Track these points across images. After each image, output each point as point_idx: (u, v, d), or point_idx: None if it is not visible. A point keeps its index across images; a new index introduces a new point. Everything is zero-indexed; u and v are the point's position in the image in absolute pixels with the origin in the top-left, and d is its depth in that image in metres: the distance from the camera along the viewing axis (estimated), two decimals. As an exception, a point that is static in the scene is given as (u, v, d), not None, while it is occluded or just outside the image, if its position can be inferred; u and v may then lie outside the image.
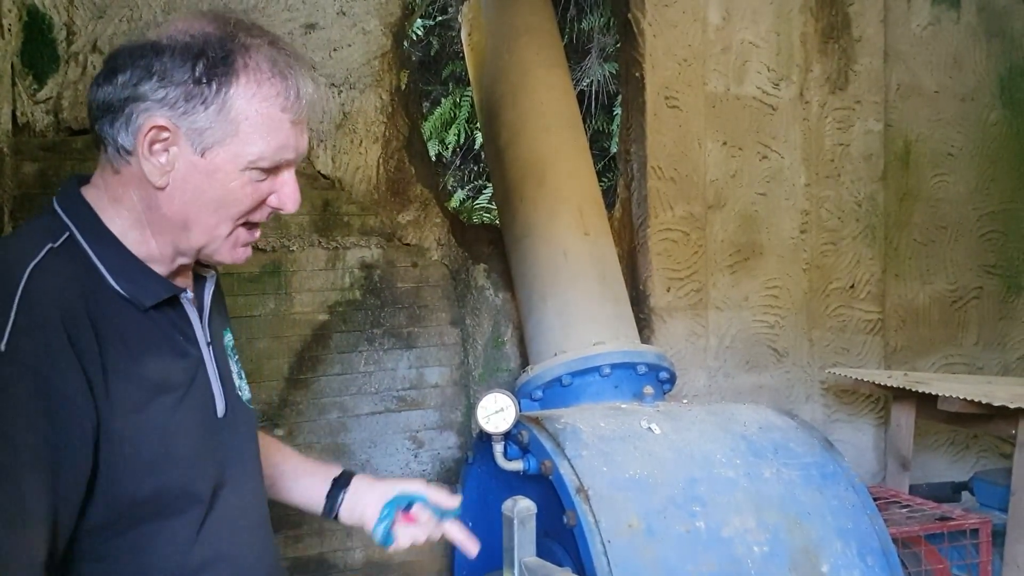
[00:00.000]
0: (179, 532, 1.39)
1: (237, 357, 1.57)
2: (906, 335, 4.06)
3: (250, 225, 1.41)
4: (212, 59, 1.30)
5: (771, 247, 3.74)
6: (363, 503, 1.75)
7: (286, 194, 1.40)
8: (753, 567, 2.21)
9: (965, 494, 3.49)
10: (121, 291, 1.32)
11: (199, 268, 1.49)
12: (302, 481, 1.80)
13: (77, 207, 1.35)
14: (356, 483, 1.77)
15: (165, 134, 1.30)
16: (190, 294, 1.43)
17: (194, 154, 1.32)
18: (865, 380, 3.48)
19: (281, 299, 3.03)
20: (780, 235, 3.75)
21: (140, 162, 1.31)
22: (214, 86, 1.30)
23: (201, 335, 1.44)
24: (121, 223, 1.35)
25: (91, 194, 1.36)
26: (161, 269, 1.40)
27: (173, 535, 1.38)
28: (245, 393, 1.54)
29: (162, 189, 1.33)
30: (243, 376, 1.57)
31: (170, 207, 1.34)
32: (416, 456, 3.25)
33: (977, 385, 3.36)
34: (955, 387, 3.18)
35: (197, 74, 1.30)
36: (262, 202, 1.39)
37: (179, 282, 1.44)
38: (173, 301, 1.40)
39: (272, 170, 1.37)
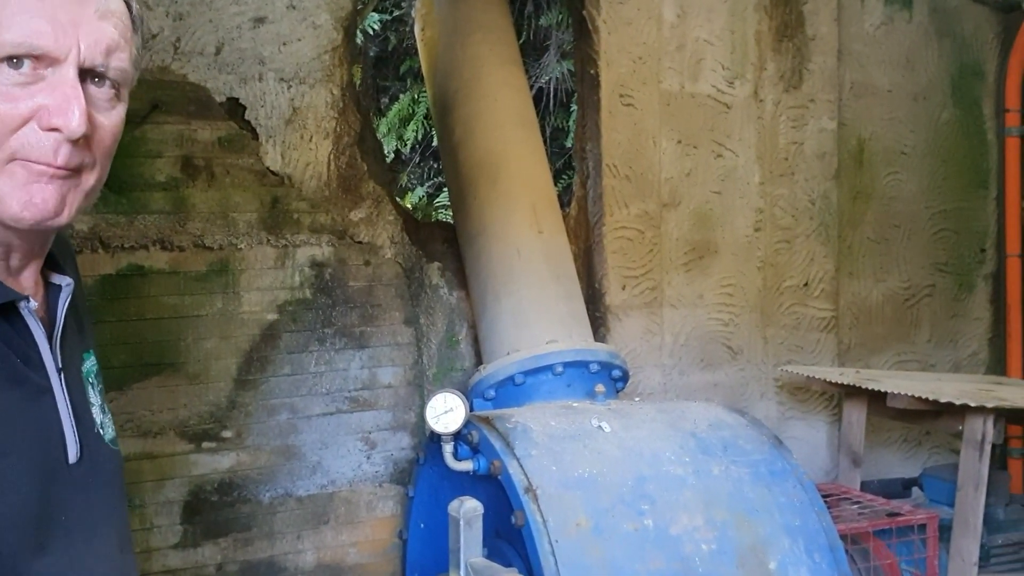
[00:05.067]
0: None
1: (101, 387, 1.28)
2: (859, 333, 4.10)
3: (27, 161, 1.04)
4: None
5: (725, 245, 3.75)
6: None
7: (58, 109, 1.01)
8: (701, 565, 2.21)
9: (915, 490, 3.53)
10: None
11: (52, 273, 1.19)
12: None
13: None
14: None
15: None
16: (33, 303, 1.11)
17: None
18: (817, 377, 3.50)
19: (229, 298, 2.98)
20: (734, 233, 3.76)
21: None
22: None
23: (50, 359, 1.14)
24: None
25: None
26: None
27: None
28: (108, 431, 1.25)
29: None
30: (107, 411, 1.28)
31: None
32: (369, 457, 3.22)
33: (927, 382, 3.39)
34: (905, 384, 3.21)
35: None
36: (25, 122, 1.02)
37: (20, 286, 1.13)
38: (8, 311, 1.10)
39: (41, 72, 1.02)
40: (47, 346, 1.14)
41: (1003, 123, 4.29)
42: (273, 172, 3.05)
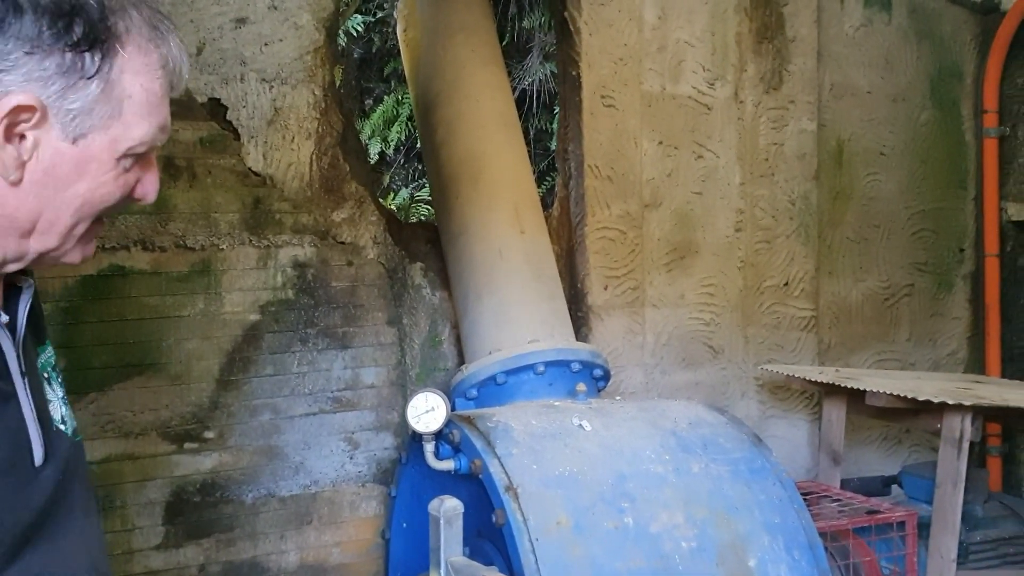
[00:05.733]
0: None
1: (60, 378, 1.28)
2: (839, 332, 4.13)
3: (100, 219, 1.18)
4: (90, 21, 1.03)
5: (706, 245, 3.78)
6: None
7: (151, 182, 1.19)
8: (681, 562, 2.22)
9: (894, 487, 3.56)
10: None
11: (12, 276, 1.19)
12: None
13: None
14: None
15: (27, 115, 1.03)
16: (4, 317, 1.13)
17: (64, 141, 1.06)
18: (797, 376, 3.53)
19: (211, 298, 2.98)
20: (715, 234, 3.79)
21: None
22: (97, 56, 1.05)
23: (15, 364, 1.14)
24: None
25: None
26: None
27: None
28: (69, 424, 1.25)
29: (15, 185, 1.06)
30: (67, 402, 1.27)
31: (21, 207, 1.07)
32: (352, 457, 3.22)
33: (906, 380, 3.43)
34: (884, 383, 3.24)
35: (75, 38, 1.03)
36: (129, 194, 1.17)
37: None
38: None
39: (143, 156, 1.16)
40: (12, 352, 1.14)
41: (981, 124, 4.34)
42: (255, 172, 3.05)
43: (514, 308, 2.97)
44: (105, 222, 1.20)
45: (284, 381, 3.10)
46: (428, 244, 3.39)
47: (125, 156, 1.12)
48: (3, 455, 1.10)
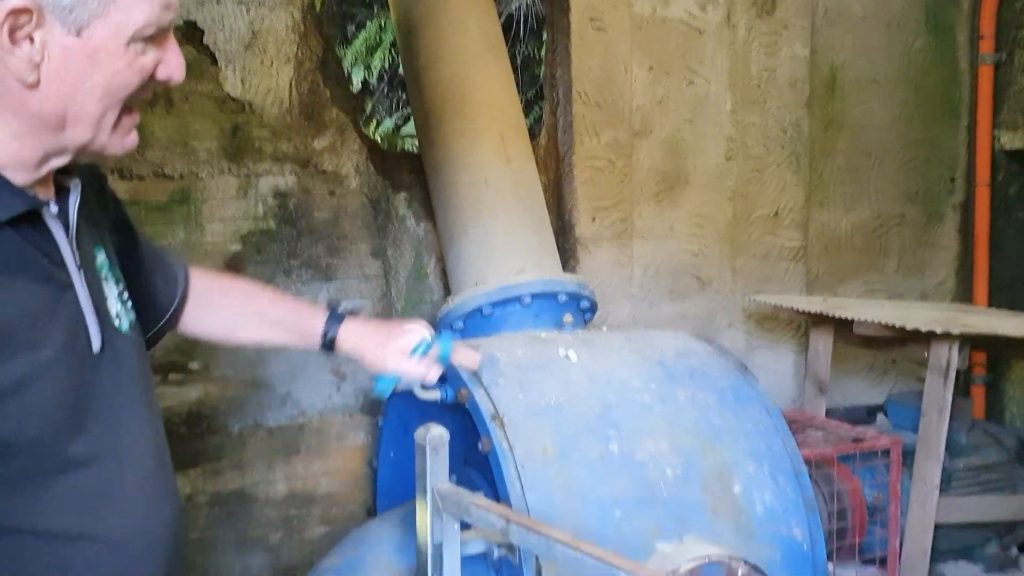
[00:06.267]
0: (45, 494, 1.24)
1: (117, 277, 1.40)
2: (828, 262, 4.11)
3: (130, 108, 1.25)
4: None
5: (697, 175, 3.73)
6: (366, 339, 1.83)
7: (174, 63, 1.24)
8: (666, 489, 2.22)
9: (880, 416, 3.58)
10: None
11: (59, 176, 1.29)
12: (283, 316, 1.82)
13: None
14: (350, 319, 1.84)
15: (26, 18, 1.09)
16: (54, 208, 1.24)
17: (68, 35, 1.12)
18: (785, 306, 3.51)
19: (191, 229, 2.92)
20: (706, 163, 3.73)
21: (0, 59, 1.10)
22: None
23: (70, 257, 1.26)
24: None
25: None
26: (20, 177, 1.20)
27: (36, 498, 1.22)
28: (124, 321, 1.38)
29: (34, 87, 1.13)
30: (125, 300, 1.40)
31: (45, 105, 1.15)
32: (339, 389, 3.21)
33: (894, 310, 3.42)
34: (872, 312, 3.23)
35: None
36: (150, 77, 1.23)
37: (40, 193, 1.25)
38: (32, 217, 1.21)
39: (155, 37, 1.20)
40: (67, 246, 1.26)
41: (976, 50, 4.25)
42: (233, 98, 2.97)
43: (500, 239, 2.93)
44: (138, 113, 1.26)
45: (269, 312, 3.06)
46: (412, 174, 3.33)
47: (134, 41, 1.17)
48: (62, 338, 1.23)
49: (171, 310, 1.70)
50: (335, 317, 1.85)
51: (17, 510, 1.21)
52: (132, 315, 1.42)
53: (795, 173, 3.92)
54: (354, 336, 1.84)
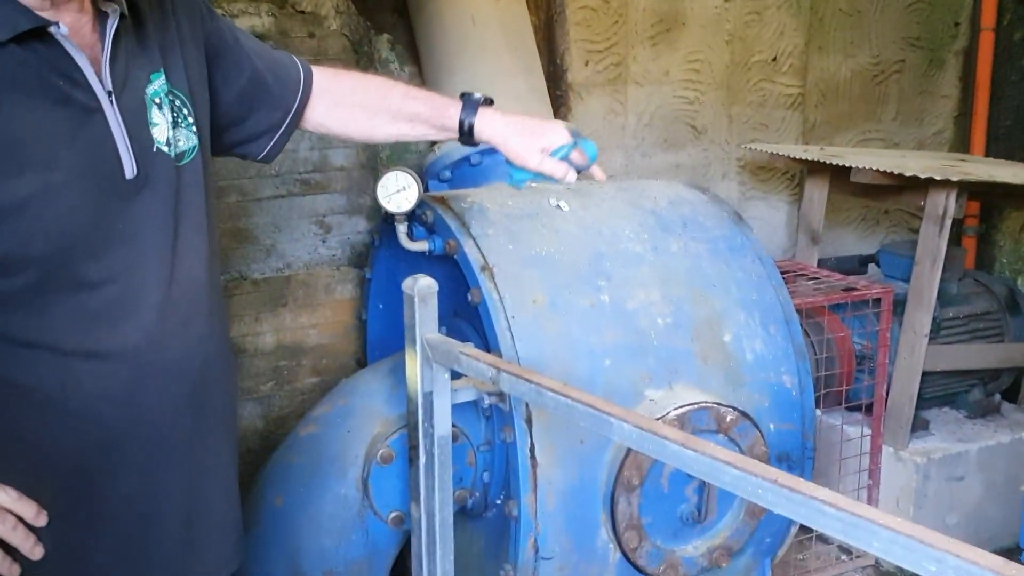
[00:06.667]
0: (56, 310, 1.29)
1: (179, 103, 1.41)
2: (825, 110, 3.99)
3: None
4: None
5: (694, 16, 3.56)
6: (508, 131, 1.82)
7: None
8: (656, 338, 2.22)
9: (871, 266, 3.57)
10: None
11: (101, 2, 1.31)
12: (419, 109, 1.83)
13: None
14: (486, 108, 1.84)
15: None
16: (64, 29, 1.24)
17: None
18: (781, 154, 3.43)
19: (164, 74, 2.78)
20: (703, 3, 3.56)
21: None
22: None
23: (96, 81, 1.27)
24: None
25: None
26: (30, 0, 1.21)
27: (47, 313, 1.28)
28: (175, 148, 1.39)
29: None
30: (188, 125, 1.42)
31: None
32: (324, 241, 3.15)
33: (891, 158, 3.34)
34: (870, 159, 3.15)
35: None
36: None
37: (62, 16, 1.25)
38: (43, 37, 1.22)
39: None
40: (90, 69, 1.26)
41: None
42: (201, -69, 2.76)
43: (488, 82, 2.80)
44: None
45: (248, 162, 2.96)
46: (395, 14, 3.15)
47: None
48: (83, 161, 1.26)
49: (292, 112, 1.74)
50: (470, 106, 1.83)
51: (27, 324, 1.26)
52: (195, 139, 1.44)
53: (795, 16, 3.75)
54: (493, 126, 1.83)
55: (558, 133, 1.85)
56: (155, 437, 1.42)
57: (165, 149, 1.37)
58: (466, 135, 1.84)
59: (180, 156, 1.41)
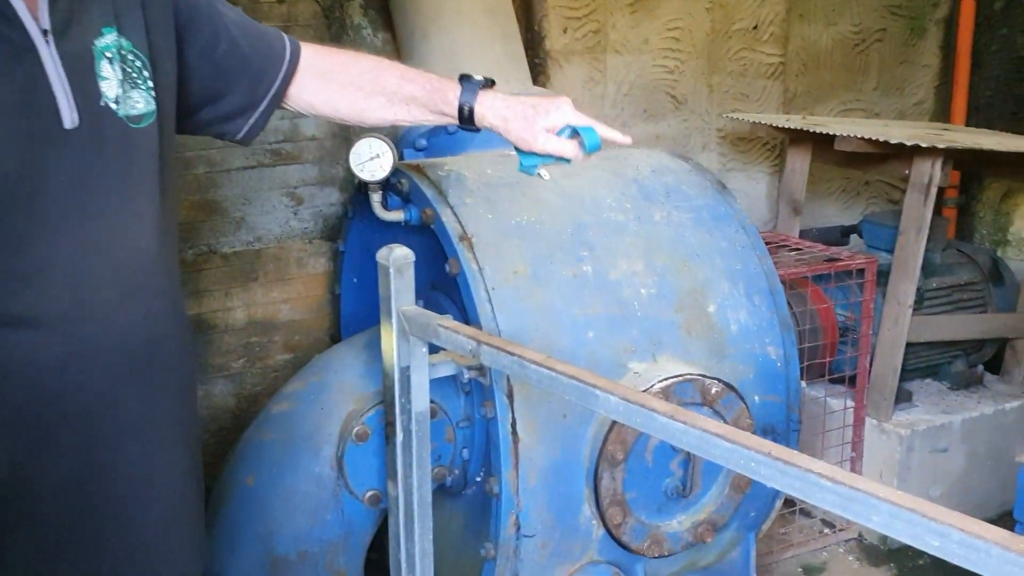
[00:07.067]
0: (2, 279, 1.22)
1: (138, 65, 1.34)
2: (806, 80, 3.94)
3: None
4: None
5: (674, -18, 3.48)
6: (510, 115, 1.70)
7: None
8: (639, 308, 2.16)
9: (854, 237, 3.53)
10: None
11: None
12: (416, 92, 1.73)
13: None
14: (486, 91, 1.73)
15: None
16: None
17: None
18: (763, 123, 3.37)
19: (126, 39, 2.67)
20: (683, -31, 3.48)
21: None
22: None
23: (29, 18, 1.21)
24: None
25: None
26: None
27: None
28: (126, 108, 1.31)
29: None
30: (142, 87, 1.34)
31: None
32: (296, 213, 3.06)
33: (875, 127, 3.29)
34: (853, 128, 3.10)
35: None
36: None
37: None
38: None
39: None
40: (22, 4, 1.21)
41: None
42: None
43: (465, 47, 2.72)
44: None
45: (217, 132, 2.86)
46: (368, -22, 3.06)
47: None
48: (14, 101, 1.20)
49: (274, 88, 1.64)
50: (471, 89, 1.72)
51: None
52: (153, 104, 1.37)
53: (776, -18, 3.69)
54: (495, 109, 1.71)
55: (562, 113, 1.71)
56: (94, 416, 1.33)
57: (114, 106, 1.31)
58: (467, 120, 1.73)
59: (137, 120, 1.35)
